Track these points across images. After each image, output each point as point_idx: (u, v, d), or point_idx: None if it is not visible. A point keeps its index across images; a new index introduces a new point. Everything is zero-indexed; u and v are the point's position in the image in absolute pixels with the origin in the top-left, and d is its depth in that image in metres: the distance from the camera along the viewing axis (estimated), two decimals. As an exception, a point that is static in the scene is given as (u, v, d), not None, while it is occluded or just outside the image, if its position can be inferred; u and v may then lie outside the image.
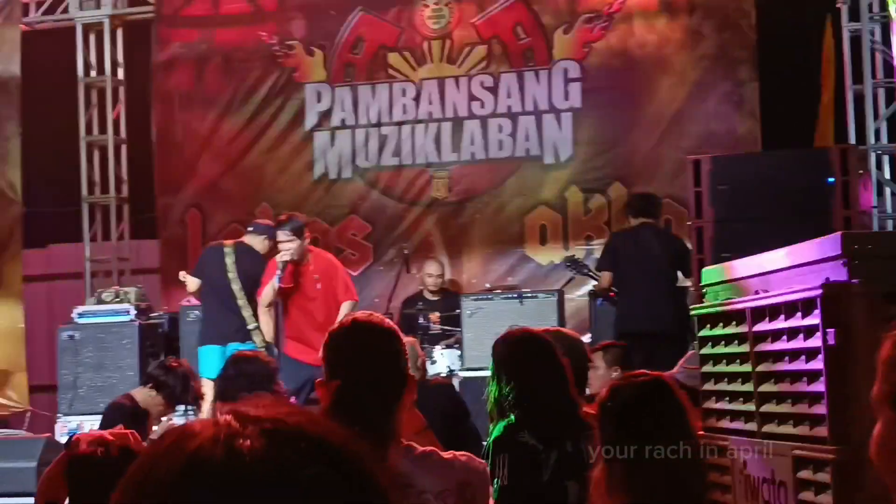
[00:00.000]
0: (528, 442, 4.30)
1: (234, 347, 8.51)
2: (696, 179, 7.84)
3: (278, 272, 8.86)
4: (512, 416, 4.41)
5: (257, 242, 9.32)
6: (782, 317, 3.04)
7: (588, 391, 6.88)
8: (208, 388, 7.96)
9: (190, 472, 0.96)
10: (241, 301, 9.11)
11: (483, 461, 3.27)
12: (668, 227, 10.07)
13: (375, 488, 1.01)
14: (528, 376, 4.46)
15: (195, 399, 7.43)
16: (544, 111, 11.63)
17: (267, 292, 9.01)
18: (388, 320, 3.19)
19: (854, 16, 10.61)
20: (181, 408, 7.47)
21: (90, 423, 10.03)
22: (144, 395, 7.12)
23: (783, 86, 11.00)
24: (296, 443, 0.98)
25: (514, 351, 4.57)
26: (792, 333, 3.00)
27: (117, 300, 10.69)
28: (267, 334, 9.06)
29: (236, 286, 9.14)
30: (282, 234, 8.96)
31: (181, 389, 7.10)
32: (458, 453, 3.17)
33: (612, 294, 9.18)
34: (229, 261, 9.26)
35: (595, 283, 9.51)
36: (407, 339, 7.47)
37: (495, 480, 4.18)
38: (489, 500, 3.22)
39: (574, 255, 10.33)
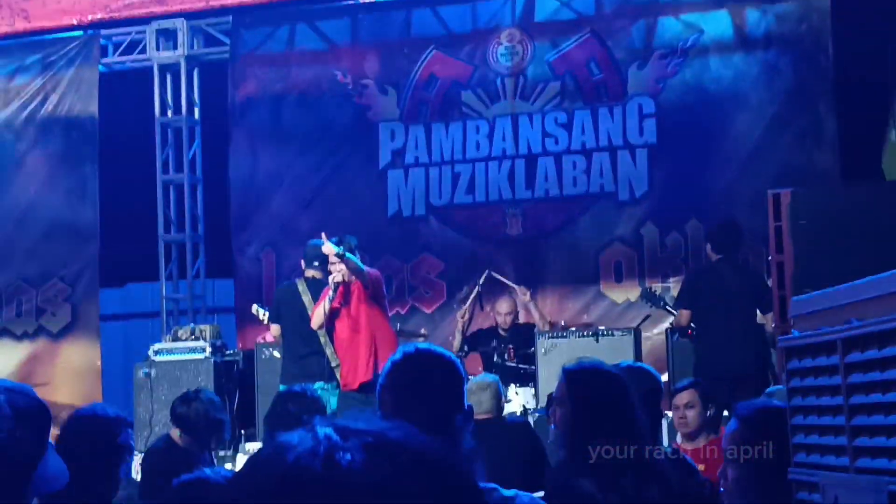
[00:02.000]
0: (585, 490, 4.02)
1: (321, 386, 8.55)
2: (777, 214, 7.71)
3: (330, 294, 8.89)
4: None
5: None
6: (876, 346, 2.94)
7: (683, 431, 6.76)
8: None
9: (288, 482, 0.94)
10: (324, 339, 9.10)
11: (543, 501, 3.16)
12: (747, 263, 9.93)
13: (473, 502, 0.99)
14: (589, 413, 4.19)
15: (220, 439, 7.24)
16: (618, 147, 11.56)
17: (318, 314, 9.04)
18: (449, 353, 3.09)
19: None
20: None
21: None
22: (176, 435, 6.91)
23: (862, 119, 10.84)
24: (396, 457, 0.96)
25: (576, 388, 4.22)
26: (886, 363, 2.90)
27: (193, 338, 10.75)
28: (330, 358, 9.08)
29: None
30: (332, 256, 9.00)
31: (204, 424, 6.82)
32: (522, 494, 3.08)
33: (689, 332, 9.06)
34: (305, 299, 9.29)
35: (673, 318, 9.39)
36: (490, 378, 7.41)
37: None
38: None
39: (652, 288, 10.23)
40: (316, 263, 9.29)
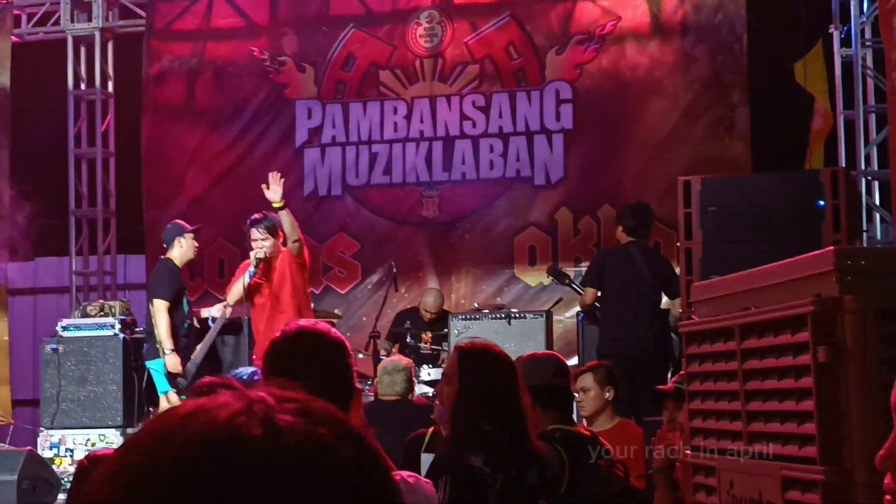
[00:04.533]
0: (474, 464, 4.06)
1: None
2: (686, 201, 7.79)
3: (250, 269, 8.85)
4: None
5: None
6: (772, 333, 2.98)
7: (582, 414, 6.83)
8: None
9: (222, 439, 0.89)
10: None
11: (430, 483, 3.16)
12: (657, 248, 10.02)
13: (390, 477, 0.99)
14: (485, 393, 4.21)
15: None
16: (535, 132, 11.60)
17: (236, 288, 9.00)
18: (334, 330, 3.05)
19: (846, 42, 10.61)
20: None
21: (72, 437, 9.97)
22: None
23: (774, 110, 10.99)
24: (331, 424, 0.94)
25: (474, 364, 4.26)
26: (781, 350, 2.94)
27: (102, 314, 10.60)
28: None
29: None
30: (255, 233, 8.94)
31: None
32: (406, 474, 3.08)
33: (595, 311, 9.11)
34: None
35: (579, 295, 9.41)
36: (405, 361, 7.44)
37: None
38: None
39: (557, 265, 10.24)
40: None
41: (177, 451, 0.89)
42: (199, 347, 9.12)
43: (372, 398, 7.66)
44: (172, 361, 8.89)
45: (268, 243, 8.84)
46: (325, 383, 2.86)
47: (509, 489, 4.10)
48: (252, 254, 8.89)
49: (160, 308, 8.95)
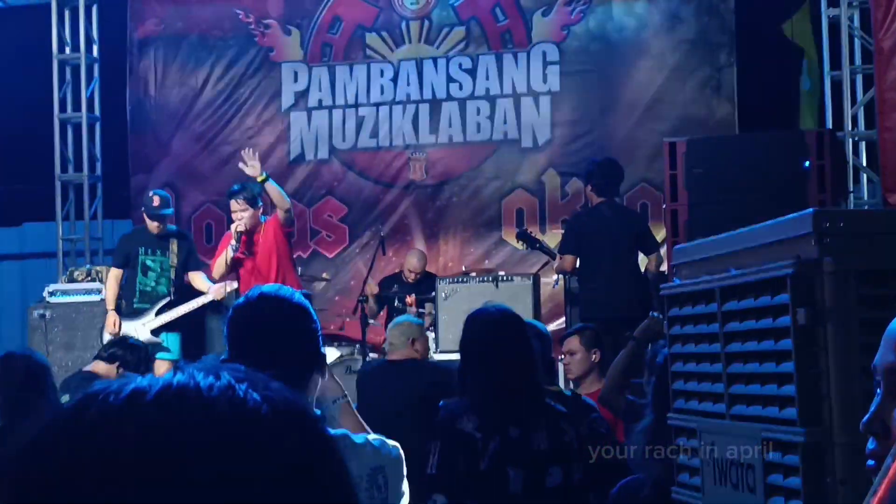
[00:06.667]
0: (465, 429, 4.10)
1: None
2: (672, 162, 7.78)
3: (232, 243, 8.79)
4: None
5: None
6: (752, 296, 2.99)
7: (569, 377, 6.86)
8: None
9: (189, 407, 0.87)
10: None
11: (398, 446, 3.15)
12: (625, 205, 9.94)
13: (332, 448, 0.94)
14: (476, 356, 4.25)
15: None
16: (522, 94, 11.58)
17: (220, 263, 8.96)
18: (298, 295, 3.03)
19: (833, 2, 10.58)
20: None
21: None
22: (108, 371, 7.14)
23: (761, 71, 10.97)
24: (288, 403, 0.91)
25: (470, 329, 4.33)
26: (761, 313, 2.95)
27: (89, 279, 10.59)
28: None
29: None
30: (235, 204, 8.87)
31: (144, 369, 7.16)
32: (372, 437, 3.08)
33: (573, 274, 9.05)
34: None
35: (551, 259, 9.34)
36: (415, 319, 7.24)
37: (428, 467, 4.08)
38: (402, 484, 3.11)
39: (527, 230, 10.18)
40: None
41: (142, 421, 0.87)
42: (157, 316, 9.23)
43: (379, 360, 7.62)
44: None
45: (247, 214, 8.79)
46: (287, 348, 2.85)
47: (507, 453, 4.08)
48: (233, 226, 8.85)
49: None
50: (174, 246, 9.35)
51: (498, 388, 4.17)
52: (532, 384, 4.25)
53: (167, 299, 9.29)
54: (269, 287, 3.01)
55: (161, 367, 8.84)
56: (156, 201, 9.34)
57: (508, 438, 4.10)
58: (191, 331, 9.63)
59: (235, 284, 9.11)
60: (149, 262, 9.35)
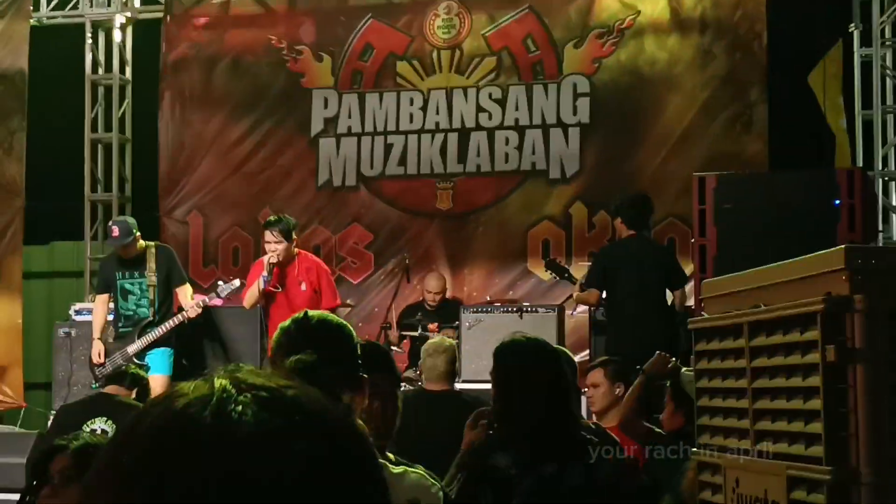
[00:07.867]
0: (499, 465, 3.98)
1: None
2: (701, 197, 7.76)
3: (264, 274, 8.81)
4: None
5: None
6: (781, 331, 2.96)
7: (592, 410, 6.80)
8: None
9: (174, 428, 0.92)
10: None
11: (436, 479, 3.12)
12: (655, 239, 9.90)
13: (370, 472, 0.98)
14: (510, 389, 4.11)
15: None
16: (552, 125, 11.57)
17: (252, 293, 8.97)
18: (341, 320, 3.03)
19: (866, 41, 10.56)
20: None
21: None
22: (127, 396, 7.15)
23: (792, 109, 10.93)
24: (290, 414, 0.93)
25: (502, 360, 4.20)
26: (790, 349, 2.92)
27: (115, 299, 10.60)
28: None
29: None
30: (269, 235, 8.90)
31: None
32: (410, 468, 3.05)
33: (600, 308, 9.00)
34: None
35: (575, 291, 9.27)
36: (448, 342, 7.14)
37: None
38: None
39: (556, 259, 10.14)
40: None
41: (134, 443, 0.93)
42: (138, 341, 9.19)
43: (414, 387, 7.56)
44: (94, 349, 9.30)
45: (281, 247, 8.83)
46: (333, 362, 2.85)
47: (542, 492, 3.97)
48: (265, 258, 8.88)
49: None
50: (151, 263, 9.27)
51: (534, 423, 4.07)
52: (569, 416, 4.17)
53: (147, 320, 9.24)
54: (315, 311, 3.05)
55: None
56: (114, 232, 9.17)
57: (544, 476, 4.00)
58: (183, 345, 9.53)
59: (219, 301, 9.28)
60: (127, 286, 9.30)
